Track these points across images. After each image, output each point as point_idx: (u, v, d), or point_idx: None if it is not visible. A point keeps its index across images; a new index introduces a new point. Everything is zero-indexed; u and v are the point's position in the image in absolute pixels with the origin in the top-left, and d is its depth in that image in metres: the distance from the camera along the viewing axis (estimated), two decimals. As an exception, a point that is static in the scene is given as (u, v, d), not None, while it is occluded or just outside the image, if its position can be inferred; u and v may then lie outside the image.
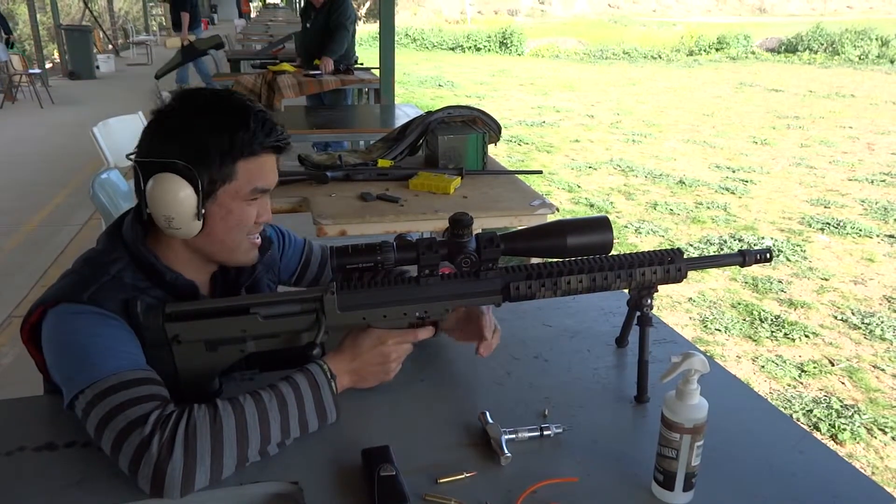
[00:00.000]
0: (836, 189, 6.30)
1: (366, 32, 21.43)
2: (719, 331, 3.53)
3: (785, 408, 2.84)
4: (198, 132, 1.08)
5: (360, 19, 27.22)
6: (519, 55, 19.81)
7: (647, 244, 4.82)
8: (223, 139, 1.08)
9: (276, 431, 1.00)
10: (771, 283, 4.09)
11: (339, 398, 1.08)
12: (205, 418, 0.95)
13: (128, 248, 1.11)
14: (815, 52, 18.84)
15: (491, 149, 2.74)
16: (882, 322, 3.63)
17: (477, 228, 1.10)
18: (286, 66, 5.05)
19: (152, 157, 1.08)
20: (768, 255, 1.15)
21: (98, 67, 12.53)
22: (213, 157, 1.08)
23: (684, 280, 1.15)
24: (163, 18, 22.63)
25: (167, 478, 0.90)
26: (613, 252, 1.14)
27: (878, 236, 5.02)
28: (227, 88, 1.22)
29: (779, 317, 3.67)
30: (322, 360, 1.09)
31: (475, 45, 20.60)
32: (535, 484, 0.96)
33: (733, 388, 1.25)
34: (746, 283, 4.10)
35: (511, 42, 20.32)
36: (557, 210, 2.33)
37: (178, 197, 1.06)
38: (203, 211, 1.09)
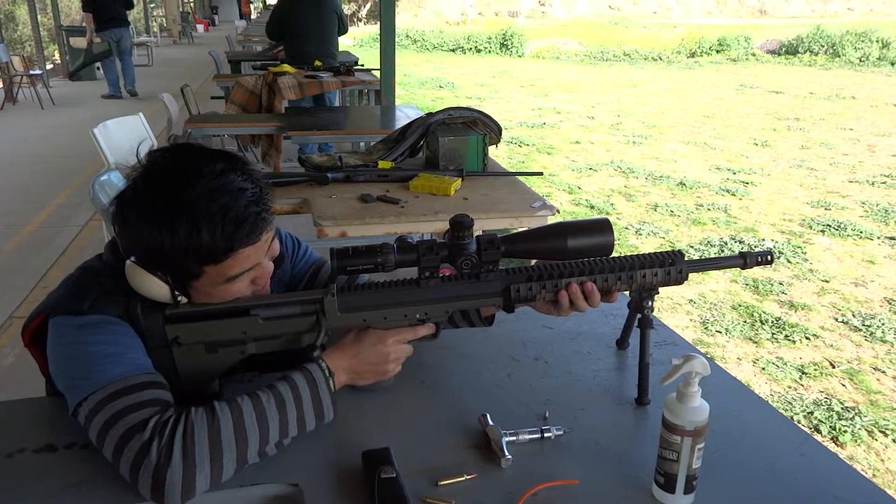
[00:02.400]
0: (836, 191, 6.30)
1: (366, 34, 21.45)
2: (720, 332, 3.52)
3: (786, 410, 2.84)
4: (152, 237, 0.99)
5: (360, 20, 27.26)
6: (519, 56, 19.82)
7: (648, 246, 4.81)
8: (176, 249, 0.99)
9: (275, 431, 0.99)
10: (772, 284, 4.09)
11: (340, 400, 1.08)
12: (202, 421, 0.94)
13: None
14: (816, 54, 18.86)
15: (491, 150, 2.74)
16: (883, 324, 3.62)
17: (477, 230, 1.10)
18: (286, 68, 5.05)
19: (119, 236, 1.05)
20: (769, 258, 1.15)
21: (99, 69, 12.52)
22: (170, 262, 1.02)
23: (685, 282, 1.15)
24: (163, 20, 22.69)
25: (167, 484, 0.90)
26: (614, 254, 1.14)
27: (878, 238, 5.02)
28: (210, 152, 1.06)
29: (779, 319, 3.67)
30: (321, 357, 1.09)
31: (476, 47, 20.62)
32: (536, 486, 0.96)
33: (734, 391, 1.25)
34: (747, 284, 4.10)
35: (511, 43, 20.34)
36: (558, 212, 2.33)
37: (149, 286, 1.04)
38: (179, 295, 1.06)
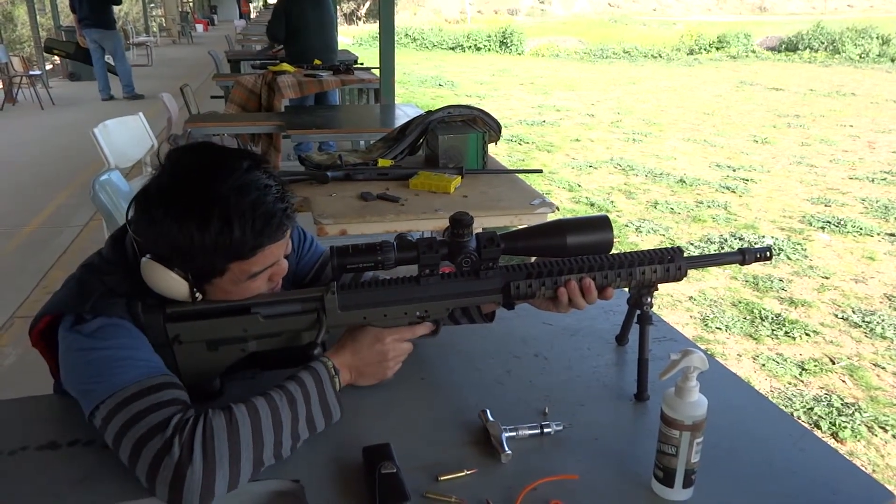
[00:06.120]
0: (836, 188, 6.30)
1: (366, 32, 21.45)
2: (720, 329, 3.53)
3: (786, 406, 2.84)
4: (181, 233, 0.99)
5: (360, 19, 27.25)
6: (519, 54, 19.81)
7: (648, 243, 4.82)
8: (206, 245, 0.99)
9: (287, 430, 0.99)
10: (772, 281, 4.09)
11: (341, 396, 1.08)
12: (221, 422, 0.94)
13: (128, 260, 1.09)
14: (816, 51, 18.84)
15: (491, 148, 2.74)
16: (883, 320, 3.63)
17: (477, 228, 1.11)
18: (286, 67, 5.05)
19: (139, 233, 1.03)
20: (768, 254, 1.15)
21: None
22: (197, 259, 1.01)
23: (684, 279, 1.15)
24: (163, 19, 22.67)
25: (186, 483, 0.88)
26: (614, 251, 1.14)
27: (878, 235, 5.02)
28: (233, 150, 1.07)
29: (779, 315, 3.67)
30: (324, 356, 1.09)
31: (475, 45, 20.61)
32: (536, 481, 0.97)
33: (734, 386, 1.26)
34: (747, 281, 4.10)
35: (511, 41, 20.32)
36: (558, 209, 2.33)
37: (167, 283, 1.03)
38: (197, 292, 1.06)
